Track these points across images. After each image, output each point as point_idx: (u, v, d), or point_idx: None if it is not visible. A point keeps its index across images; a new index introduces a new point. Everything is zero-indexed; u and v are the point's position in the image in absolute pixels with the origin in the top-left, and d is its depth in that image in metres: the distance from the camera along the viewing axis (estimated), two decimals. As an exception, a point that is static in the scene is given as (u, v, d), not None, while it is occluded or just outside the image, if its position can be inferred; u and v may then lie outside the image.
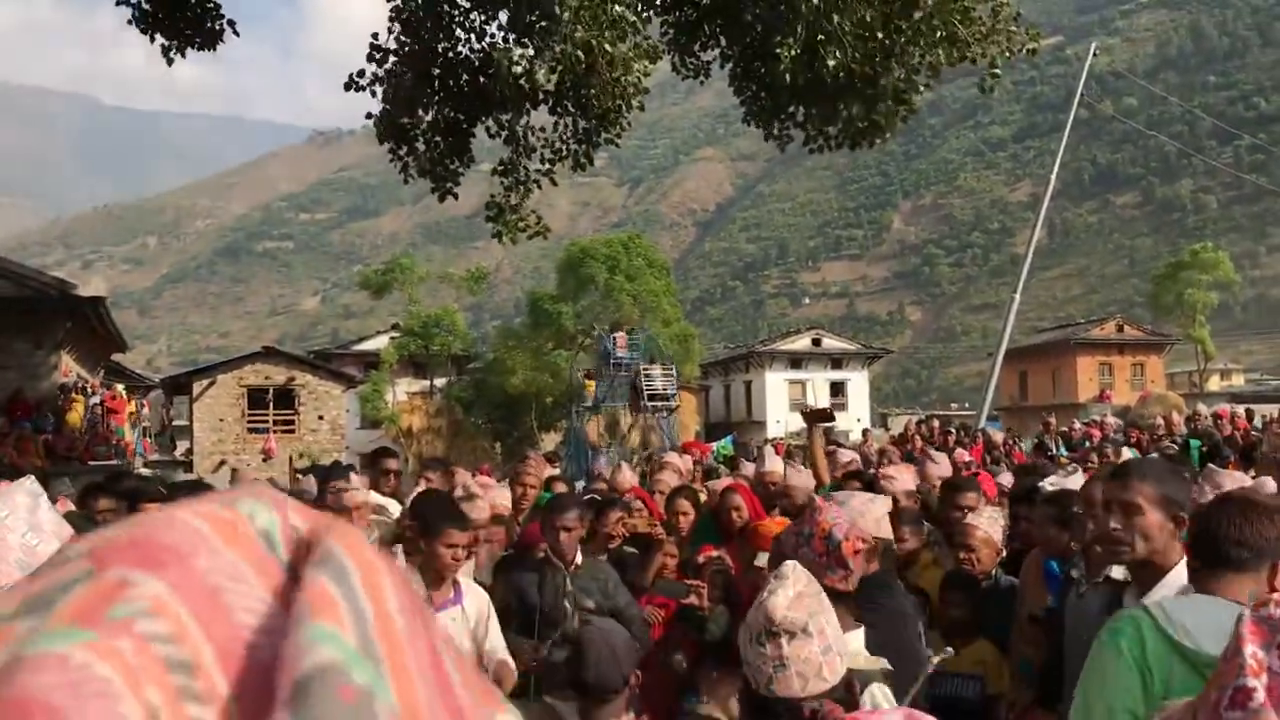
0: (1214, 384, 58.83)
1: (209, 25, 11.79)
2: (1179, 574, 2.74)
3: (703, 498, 7.10)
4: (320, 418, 37.91)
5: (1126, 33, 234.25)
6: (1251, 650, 1.00)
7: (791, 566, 2.29)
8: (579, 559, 5.03)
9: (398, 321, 49.17)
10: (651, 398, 37.38)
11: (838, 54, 9.60)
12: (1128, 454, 8.43)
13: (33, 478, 2.36)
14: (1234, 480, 5.16)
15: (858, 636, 2.75)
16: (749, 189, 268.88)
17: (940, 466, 7.46)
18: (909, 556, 5.17)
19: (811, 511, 3.03)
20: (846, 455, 8.33)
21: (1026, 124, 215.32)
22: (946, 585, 4.62)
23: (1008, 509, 6.07)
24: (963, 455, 9.12)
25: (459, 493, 5.68)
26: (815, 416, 7.34)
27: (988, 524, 4.71)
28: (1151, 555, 2.79)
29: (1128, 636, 2.39)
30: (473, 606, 4.37)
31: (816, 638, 2.16)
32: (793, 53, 9.65)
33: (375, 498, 6.29)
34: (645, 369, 37.84)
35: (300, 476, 8.12)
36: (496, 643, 4.43)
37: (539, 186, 11.50)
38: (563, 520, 5.00)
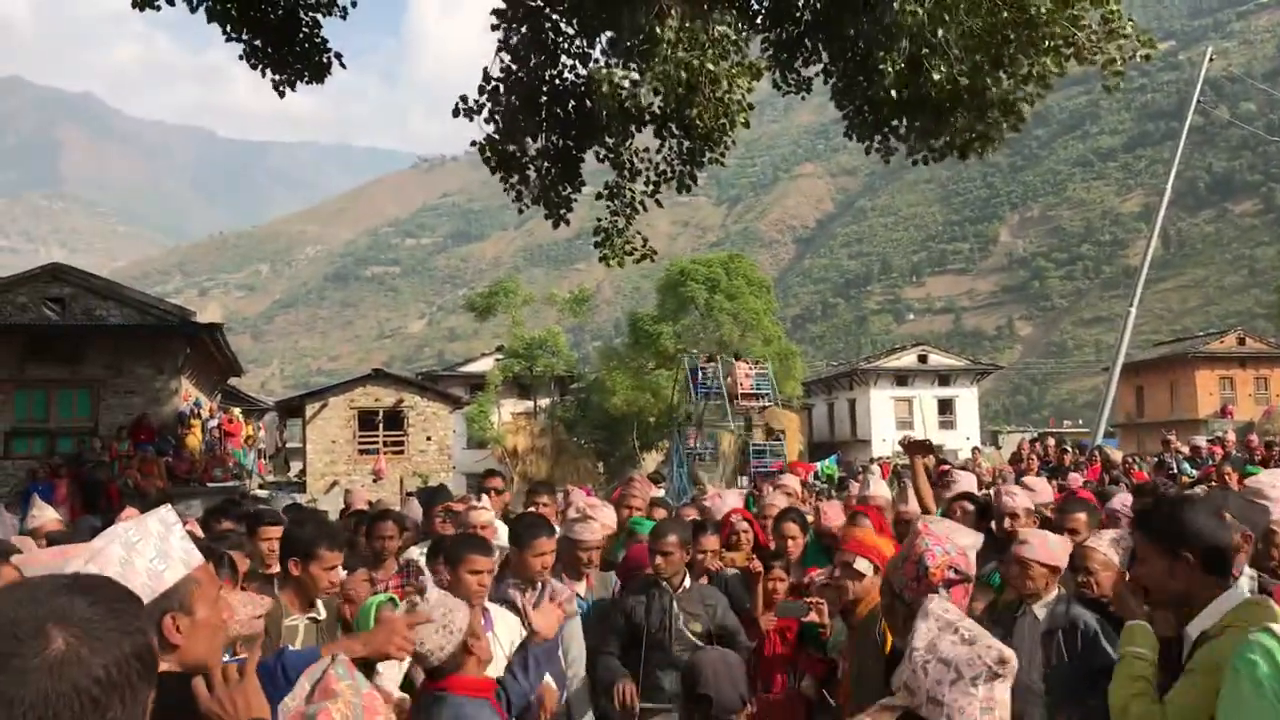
0: (1344, 397, 56.14)
1: (316, 58, 12.14)
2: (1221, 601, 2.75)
3: (810, 518, 7.02)
4: (428, 438, 38.54)
5: (1243, 35, 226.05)
6: None
7: None
8: (687, 582, 5.04)
9: (502, 343, 49.89)
10: (744, 397, 37.30)
11: (943, 67, 9.47)
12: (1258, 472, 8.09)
13: (169, 506, 2.44)
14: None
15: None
16: (850, 204, 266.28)
17: (1039, 492, 7.24)
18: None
19: (913, 535, 2.99)
20: (960, 478, 8.14)
21: (1138, 133, 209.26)
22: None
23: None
24: (1077, 479, 8.81)
25: (572, 513, 5.71)
26: (916, 448, 7.20)
27: (1108, 547, 4.55)
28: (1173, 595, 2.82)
29: (1260, 663, 2.31)
30: (505, 633, 4.39)
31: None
32: (897, 67, 9.55)
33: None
34: (728, 360, 37.91)
35: (407, 498, 8.27)
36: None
37: (644, 208, 11.56)
38: (663, 545, 5.04)
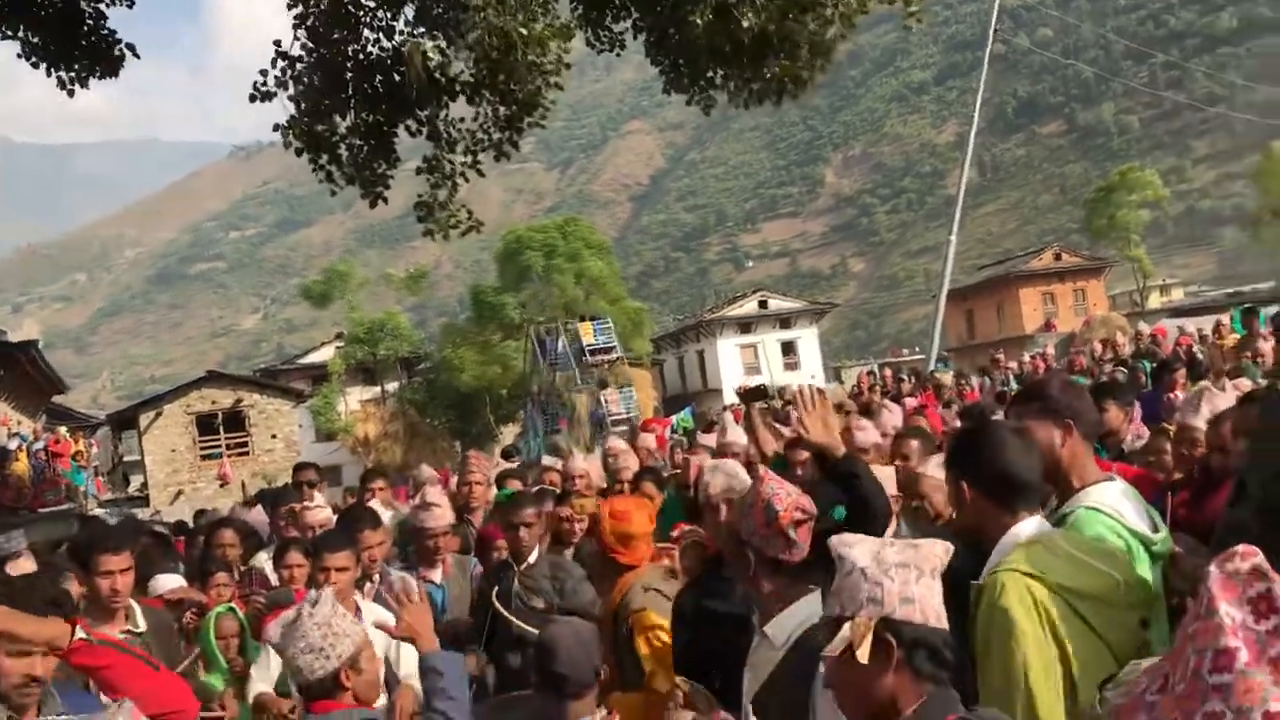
0: (1155, 300, 59.76)
1: (106, 52, 11.44)
2: (1006, 540, 2.62)
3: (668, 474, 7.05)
4: (274, 436, 37.48)
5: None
6: (1225, 608, 0.94)
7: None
8: (533, 557, 4.94)
9: (341, 331, 48.71)
10: (593, 352, 37.41)
11: (750, 14, 9.53)
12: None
13: None
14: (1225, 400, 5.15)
15: (809, 602, 2.74)
16: (680, 158, 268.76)
17: (894, 415, 7.44)
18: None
19: (755, 482, 2.98)
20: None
21: (946, 65, 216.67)
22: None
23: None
24: (911, 403, 9.09)
25: (416, 501, 5.59)
26: (750, 395, 7.33)
27: (935, 469, 4.63)
28: (964, 523, 2.79)
29: (999, 608, 2.43)
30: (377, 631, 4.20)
31: None
32: (706, 17, 9.56)
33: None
34: (571, 325, 37.98)
35: (249, 506, 7.93)
36: (408, 666, 4.05)
37: (465, 179, 11.31)
38: (519, 517, 4.93)
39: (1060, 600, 2.36)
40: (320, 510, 5.93)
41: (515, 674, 4.72)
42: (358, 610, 4.23)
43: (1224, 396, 4.87)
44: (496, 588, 4.88)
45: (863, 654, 1.97)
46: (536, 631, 4.48)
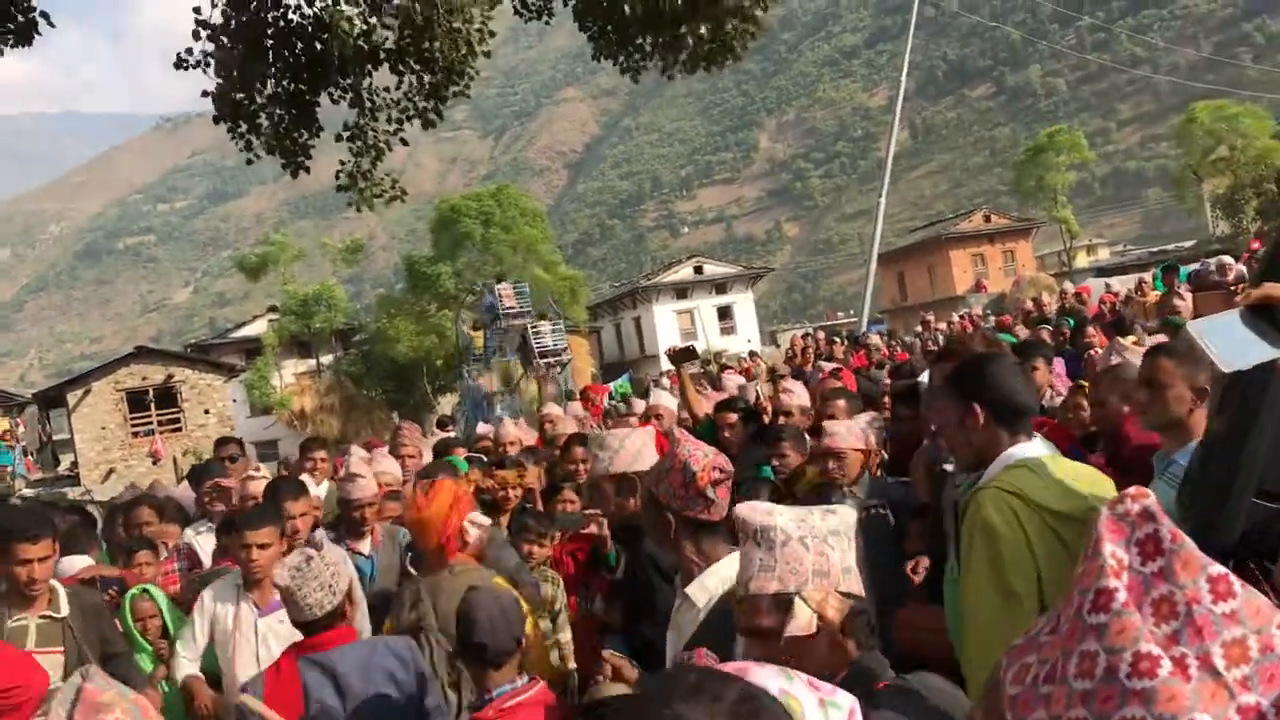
0: (1082, 260, 60.85)
1: (19, 18, 11.09)
2: (998, 463, 2.74)
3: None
4: (206, 411, 36.91)
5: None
6: (1110, 549, 0.97)
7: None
8: None
9: (275, 303, 47.99)
10: (543, 354, 37.06)
11: (674, -21, 9.51)
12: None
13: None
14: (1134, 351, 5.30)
15: (732, 562, 2.76)
16: (615, 125, 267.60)
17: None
18: (796, 472, 5.22)
19: (672, 444, 3.00)
20: (731, 381, 8.39)
21: (876, 29, 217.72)
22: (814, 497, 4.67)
23: (889, 409, 6.18)
24: (827, 366, 9.20)
25: (341, 473, 5.55)
26: (680, 356, 7.41)
27: (844, 431, 4.71)
28: (958, 451, 2.86)
29: (983, 521, 2.52)
30: None
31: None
32: (631, -18, 9.52)
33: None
34: (534, 325, 37.43)
35: (158, 484, 7.82)
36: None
37: (389, 148, 11.16)
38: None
39: (1038, 518, 2.46)
40: (263, 480, 5.89)
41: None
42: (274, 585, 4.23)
43: (1132, 352, 5.00)
44: (416, 559, 4.87)
45: (835, 626, 1.99)
46: None
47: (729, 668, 1.28)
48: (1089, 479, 2.64)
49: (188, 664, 4.47)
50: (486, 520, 4.10)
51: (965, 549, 2.56)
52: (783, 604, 2.04)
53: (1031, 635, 1.04)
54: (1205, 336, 2.42)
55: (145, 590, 4.85)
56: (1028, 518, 2.47)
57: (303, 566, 3.28)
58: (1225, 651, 0.89)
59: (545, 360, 36.58)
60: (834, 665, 2.03)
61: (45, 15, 11.50)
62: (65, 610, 4.12)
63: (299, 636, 3.82)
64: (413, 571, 4.57)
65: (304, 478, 6.33)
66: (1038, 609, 2.38)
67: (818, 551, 2.06)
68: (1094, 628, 0.93)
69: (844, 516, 2.15)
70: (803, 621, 2.01)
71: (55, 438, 41.23)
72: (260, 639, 4.38)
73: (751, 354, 15.22)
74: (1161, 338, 7.03)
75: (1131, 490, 1.01)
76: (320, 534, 3.75)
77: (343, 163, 10.96)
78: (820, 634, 2.02)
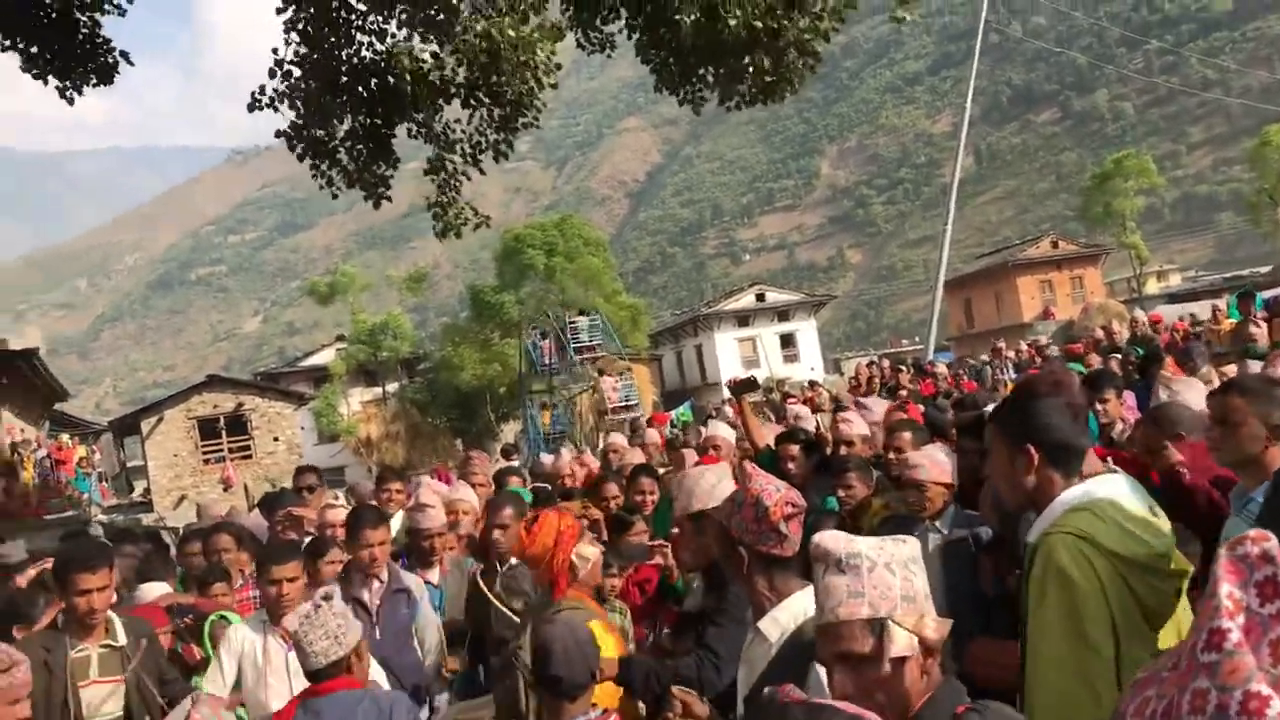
0: (1152, 286, 59.76)
1: (101, 59, 11.49)
2: (1057, 504, 2.64)
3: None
4: (275, 439, 37.51)
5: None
6: (1228, 590, 0.98)
7: None
8: (514, 559, 4.95)
9: (343, 333, 48.75)
10: (579, 350, 37.44)
11: (738, 12, 9.57)
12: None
13: None
14: (1185, 385, 5.23)
15: (803, 597, 2.76)
16: (676, 154, 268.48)
17: (874, 411, 7.44)
18: (861, 504, 5.20)
19: (743, 478, 3.01)
20: (795, 411, 8.36)
21: (940, 55, 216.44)
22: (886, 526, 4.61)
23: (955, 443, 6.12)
24: (902, 396, 9.09)
25: (411, 504, 5.64)
26: (741, 387, 7.39)
27: (928, 464, 4.59)
28: (1016, 496, 2.76)
29: (1053, 571, 2.44)
30: None
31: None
32: (693, 15, 9.61)
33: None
34: (572, 321, 37.87)
35: (250, 511, 7.95)
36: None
37: (468, 178, 11.39)
38: (497, 519, 4.94)
39: (1108, 564, 2.41)
40: (342, 509, 5.99)
41: (492, 677, 4.75)
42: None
43: (1193, 390, 4.93)
44: (479, 589, 4.91)
45: (936, 646, 2.03)
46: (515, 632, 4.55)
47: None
48: (1144, 522, 2.58)
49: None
50: (593, 551, 4.10)
51: (1036, 595, 2.50)
52: (875, 629, 2.06)
53: (1154, 670, 1.06)
54: None
55: (223, 616, 4.95)
56: (1100, 564, 2.41)
57: (311, 615, 3.39)
58: None
59: (582, 356, 36.91)
60: (924, 689, 2.06)
61: (125, 54, 11.90)
62: (123, 639, 4.23)
63: None
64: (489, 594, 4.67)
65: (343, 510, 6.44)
66: (1114, 655, 2.35)
67: (904, 577, 2.09)
68: (1206, 666, 0.95)
69: (914, 545, 2.17)
70: (902, 644, 2.03)
71: (129, 464, 42.13)
72: (292, 673, 4.34)
73: (811, 384, 15.12)
74: (1233, 369, 6.90)
75: (1252, 533, 1.02)
76: (332, 587, 3.82)
77: (427, 197, 11.20)
78: (913, 657, 2.04)
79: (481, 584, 4.91)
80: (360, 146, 11.13)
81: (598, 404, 38.26)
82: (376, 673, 4.29)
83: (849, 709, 1.20)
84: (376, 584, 4.98)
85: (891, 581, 2.08)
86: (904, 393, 9.60)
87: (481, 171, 11.52)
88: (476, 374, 43.82)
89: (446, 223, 11.49)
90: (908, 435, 5.40)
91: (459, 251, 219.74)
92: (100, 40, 11.86)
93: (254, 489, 30.33)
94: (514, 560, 4.95)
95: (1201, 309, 16.38)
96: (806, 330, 56.78)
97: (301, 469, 7.99)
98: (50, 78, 11.65)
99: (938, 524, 4.45)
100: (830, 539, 2.19)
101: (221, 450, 36.86)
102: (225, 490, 33.78)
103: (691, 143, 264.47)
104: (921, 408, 9.01)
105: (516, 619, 4.65)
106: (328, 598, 3.48)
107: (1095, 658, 2.36)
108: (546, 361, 38.67)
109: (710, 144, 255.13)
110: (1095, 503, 2.60)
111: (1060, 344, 18.67)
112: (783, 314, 56.41)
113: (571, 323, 39.42)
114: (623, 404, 37.54)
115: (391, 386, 47.43)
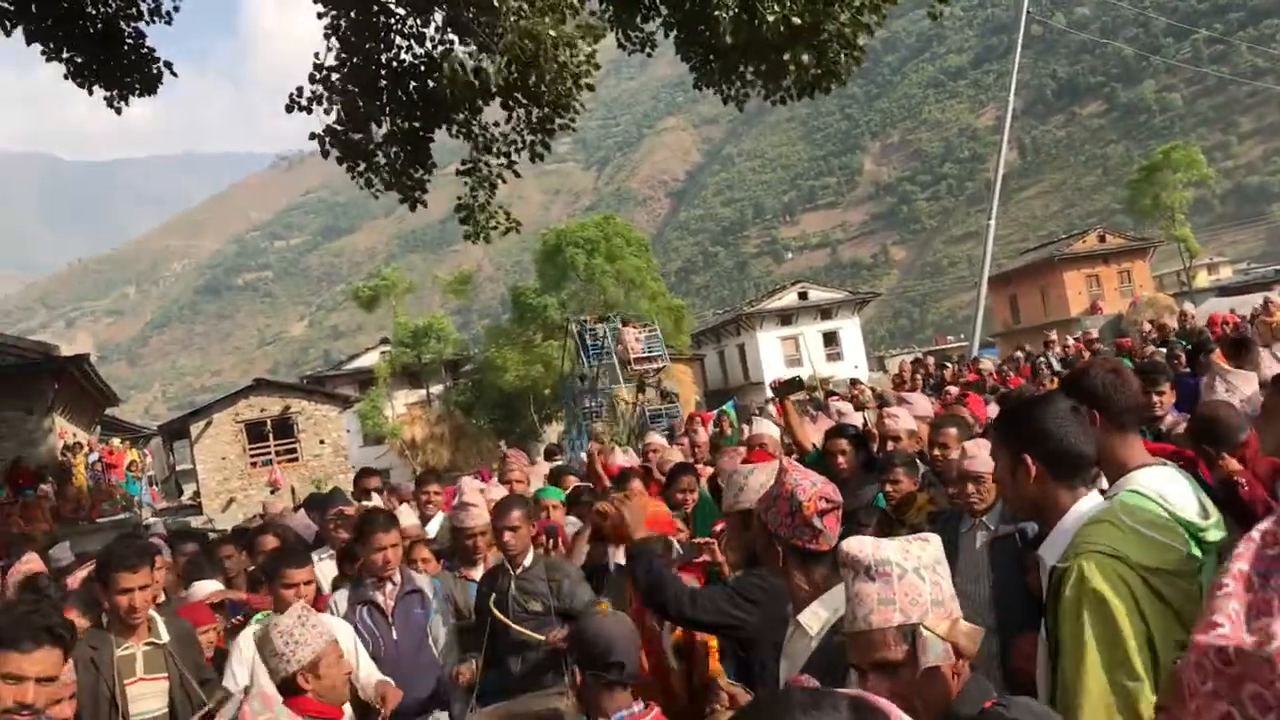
0: (1202, 279, 58.86)
1: (146, 69, 11.67)
2: (1070, 517, 2.56)
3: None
4: (321, 442, 37.89)
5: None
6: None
7: None
8: (528, 560, 4.94)
9: (387, 335, 49.15)
10: (636, 361, 37.38)
11: (775, 7, 9.53)
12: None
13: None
14: (1241, 377, 5.13)
15: (838, 594, 2.73)
16: (716, 153, 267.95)
17: (917, 406, 7.38)
18: (905, 499, 5.15)
19: (780, 473, 2.99)
20: (839, 408, 8.31)
21: (982, 48, 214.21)
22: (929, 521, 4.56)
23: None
24: (953, 391, 8.97)
25: (454, 502, 5.66)
26: (784, 388, 7.36)
27: (984, 455, 4.49)
28: (1020, 502, 2.68)
29: (1084, 595, 2.36)
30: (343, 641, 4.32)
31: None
32: (731, 12, 9.58)
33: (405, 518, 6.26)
34: (621, 330, 37.88)
35: (295, 511, 8.00)
36: (368, 670, 4.48)
37: (503, 180, 11.43)
38: (505, 521, 4.91)
39: (1138, 578, 2.33)
40: (407, 516, 6.05)
41: (517, 679, 4.74)
42: None
43: (1247, 382, 4.83)
44: (494, 593, 4.90)
45: (972, 655, 2.02)
46: (539, 637, 4.55)
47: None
48: (1164, 527, 2.49)
49: None
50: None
51: (1071, 618, 2.35)
52: (907, 635, 2.04)
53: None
54: None
55: (271, 615, 5.00)
56: (1134, 582, 2.32)
57: (263, 631, 3.43)
58: None
59: (640, 367, 36.89)
60: (954, 691, 2.06)
61: (169, 65, 12.08)
62: (165, 637, 4.27)
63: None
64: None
65: (405, 510, 6.47)
66: (1152, 668, 2.26)
67: (933, 581, 2.07)
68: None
69: (937, 546, 2.15)
70: (939, 652, 2.01)
71: (179, 468, 42.76)
72: None
73: (853, 381, 14.98)
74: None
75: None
76: (298, 604, 3.90)
77: (459, 198, 11.24)
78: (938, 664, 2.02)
79: (494, 609, 4.88)
80: (398, 150, 11.22)
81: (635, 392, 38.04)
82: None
83: (851, 693, 1.18)
84: (390, 586, 5.00)
85: (921, 587, 2.06)
86: (952, 390, 9.47)
87: (516, 174, 11.56)
88: (519, 375, 44.02)
89: (476, 225, 11.54)
90: (953, 431, 5.34)
91: (501, 254, 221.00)
92: (145, 50, 12.06)
93: (300, 491, 30.65)
94: (527, 563, 4.96)
95: (1252, 302, 16.06)
96: (850, 328, 56.47)
97: (365, 470, 8.10)
98: (96, 87, 11.87)
99: (986, 520, 4.37)
100: (857, 545, 2.17)
101: (269, 453, 37.30)
102: (273, 493, 34.16)
103: (732, 141, 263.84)
104: (985, 398, 8.92)
105: (532, 624, 4.68)
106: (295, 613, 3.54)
107: (1138, 684, 2.26)
108: (599, 352, 38.44)
109: (751, 142, 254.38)
110: (1110, 513, 2.50)
111: (1109, 339, 18.43)
112: (825, 312, 56.14)
113: (615, 328, 39.22)
114: (645, 355, 37.42)
115: (436, 389, 47.77)
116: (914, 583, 2.06)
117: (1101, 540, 2.39)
